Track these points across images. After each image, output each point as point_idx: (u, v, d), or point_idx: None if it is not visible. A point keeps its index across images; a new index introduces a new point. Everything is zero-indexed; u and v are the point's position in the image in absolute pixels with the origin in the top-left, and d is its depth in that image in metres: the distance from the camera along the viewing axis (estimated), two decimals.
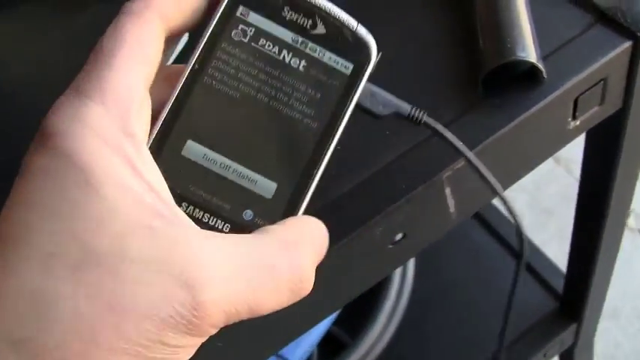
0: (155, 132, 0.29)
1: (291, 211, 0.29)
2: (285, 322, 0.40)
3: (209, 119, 0.30)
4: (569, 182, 1.65)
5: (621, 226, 0.62)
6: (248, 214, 0.29)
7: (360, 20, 0.31)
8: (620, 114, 0.47)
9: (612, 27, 0.43)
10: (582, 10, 0.44)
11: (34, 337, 0.25)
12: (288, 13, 0.31)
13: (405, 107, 0.39)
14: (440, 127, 0.38)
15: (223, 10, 0.30)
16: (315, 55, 0.31)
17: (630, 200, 0.59)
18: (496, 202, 0.88)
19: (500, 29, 0.41)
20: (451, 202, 0.41)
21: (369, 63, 0.31)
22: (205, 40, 0.30)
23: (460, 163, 0.39)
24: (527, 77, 0.41)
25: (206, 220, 0.29)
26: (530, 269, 0.77)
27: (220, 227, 0.29)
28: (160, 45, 0.29)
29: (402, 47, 0.45)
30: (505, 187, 0.45)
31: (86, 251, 0.25)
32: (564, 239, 0.71)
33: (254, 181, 0.30)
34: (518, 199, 1.54)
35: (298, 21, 0.31)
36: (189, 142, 0.29)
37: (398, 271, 0.77)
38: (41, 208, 0.26)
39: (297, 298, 0.28)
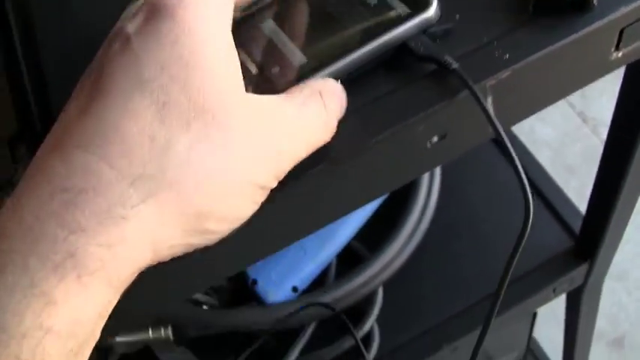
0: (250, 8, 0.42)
1: (305, 78, 0.39)
2: (326, 206, 0.43)
3: (290, 13, 0.43)
4: (594, 143, 1.66)
5: None
6: (276, 69, 0.40)
7: None
8: None
9: None
10: None
11: (152, 175, 0.29)
12: None
13: (441, 56, 0.41)
14: (466, 78, 0.40)
15: None
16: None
17: None
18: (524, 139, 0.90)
19: None
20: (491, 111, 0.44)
21: (422, 13, 0.41)
22: None
23: (506, 73, 0.42)
24: (577, 4, 0.43)
25: (244, 62, 0.38)
26: (550, 207, 0.79)
27: (252, 69, 0.40)
28: None
29: None
30: (542, 107, 0.47)
31: (195, 104, 0.31)
32: (584, 198, 0.74)
33: (293, 52, 0.41)
34: (542, 154, 1.55)
35: None
36: (269, 20, 0.43)
37: (422, 194, 0.80)
38: (153, 63, 0.30)
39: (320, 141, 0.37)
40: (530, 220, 0.42)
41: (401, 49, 0.42)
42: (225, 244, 0.35)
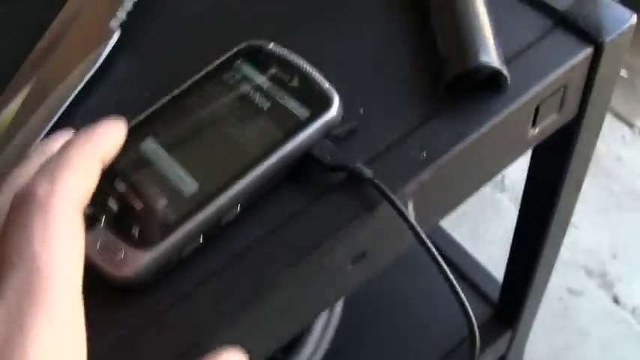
0: (130, 125, 0.36)
1: (197, 210, 0.34)
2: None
3: (173, 127, 0.38)
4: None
5: (562, 234, 0.61)
6: (162, 203, 0.34)
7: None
8: (573, 123, 0.46)
9: (572, 31, 0.41)
10: (541, 14, 0.42)
11: None
12: (273, 68, 0.39)
13: (351, 163, 0.36)
14: (384, 189, 0.35)
15: (225, 58, 0.40)
16: (282, 101, 0.37)
17: (572, 211, 0.58)
18: None
19: (462, 32, 0.39)
20: (412, 216, 0.38)
21: (324, 114, 0.36)
22: (200, 75, 0.39)
23: (426, 175, 0.36)
24: (488, 83, 0.39)
25: (127, 196, 0.35)
26: (466, 279, 0.75)
27: (134, 205, 0.34)
28: None
29: (357, 53, 0.42)
30: (465, 199, 0.42)
31: None
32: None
33: (183, 180, 0.35)
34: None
35: (278, 75, 0.38)
36: (149, 139, 0.37)
37: None
38: None
39: None
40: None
41: (305, 159, 0.36)
42: None
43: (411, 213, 0.37)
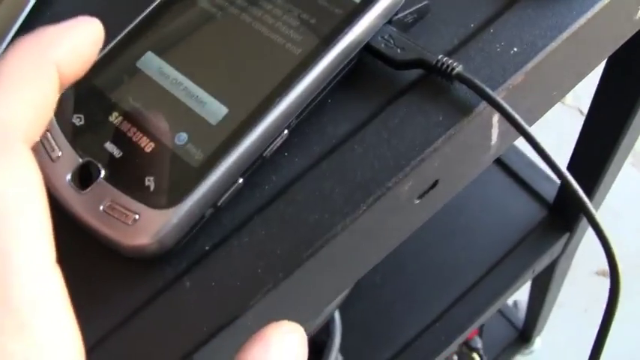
0: (118, 38, 0.27)
1: (233, 142, 0.24)
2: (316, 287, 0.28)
3: (178, 34, 0.27)
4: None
5: (631, 146, 0.52)
6: (181, 138, 0.25)
7: None
8: None
9: None
10: None
11: None
12: None
13: (431, 56, 0.26)
14: (479, 84, 0.26)
15: None
16: None
17: None
18: None
19: None
20: (495, 134, 0.29)
21: None
22: None
23: (519, 78, 0.27)
24: None
25: (130, 135, 0.25)
26: (520, 179, 0.67)
27: (143, 145, 0.25)
28: None
29: None
30: (562, 96, 0.33)
31: None
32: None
33: (203, 103, 0.25)
34: None
35: None
36: (149, 53, 0.27)
37: None
38: None
39: None
40: None
41: (365, 54, 0.27)
42: None
43: (495, 125, 0.28)
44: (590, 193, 0.55)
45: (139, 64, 0.27)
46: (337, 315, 0.64)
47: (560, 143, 0.70)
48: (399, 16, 0.27)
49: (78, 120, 0.26)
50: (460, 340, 0.64)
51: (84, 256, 0.25)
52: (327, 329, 0.64)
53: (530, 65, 0.27)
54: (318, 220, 0.25)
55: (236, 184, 0.25)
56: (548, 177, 0.68)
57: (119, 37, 0.28)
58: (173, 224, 0.24)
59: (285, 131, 0.26)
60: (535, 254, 0.65)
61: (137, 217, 0.24)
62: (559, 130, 1.09)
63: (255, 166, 0.26)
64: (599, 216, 0.28)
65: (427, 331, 0.64)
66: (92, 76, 0.26)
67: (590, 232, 0.78)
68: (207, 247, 0.25)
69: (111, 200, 0.24)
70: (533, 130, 0.26)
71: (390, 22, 0.27)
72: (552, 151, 0.26)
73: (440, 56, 0.26)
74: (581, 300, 1.26)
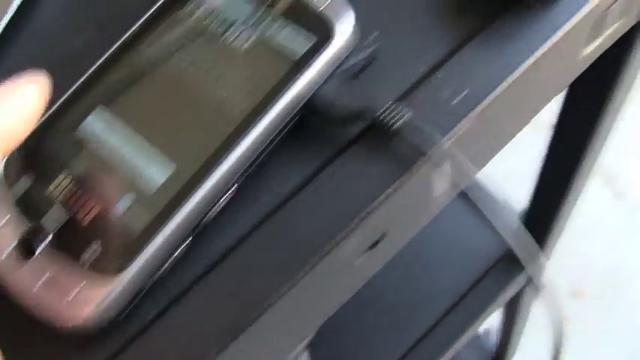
0: (66, 94, 0.26)
1: (180, 200, 0.24)
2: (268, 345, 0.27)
3: (126, 90, 0.27)
4: None
5: (590, 168, 0.52)
6: (126, 201, 0.24)
7: None
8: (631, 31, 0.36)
9: None
10: None
11: None
12: None
13: (375, 109, 0.26)
14: (428, 130, 0.25)
15: None
16: (267, 33, 0.26)
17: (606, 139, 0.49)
18: None
19: None
20: (439, 183, 0.29)
21: (330, 44, 0.26)
22: (149, 13, 0.28)
23: (466, 124, 0.26)
24: None
25: (75, 200, 0.24)
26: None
27: (88, 210, 0.24)
28: None
29: None
30: (508, 141, 0.33)
31: None
32: None
33: (151, 160, 0.25)
34: None
35: None
36: (98, 108, 0.26)
37: None
38: None
39: None
40: None
41: (310, 108, 0.26)
42: None
43: (440, 175, 0.28)
44: (556, 213, 0.55)
45: (84, 124, 0.26)
46: (306, 355, 0.63)
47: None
48: (346, 66, 0.27)
49: (25, 181, 0.25)
50: None
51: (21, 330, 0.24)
52: None
53: (479, 109, 0.26)
54: (261, 285, 0.24)
55: (180, 249, 0.24)
56: (512, 210, 0.68)
57: (64, 97, 0.27)
58: (113, 298, 0.23)
59: (231, 189, 0.25)
60: (501, 284, 0.64)
61: (81, 286, 0.23)
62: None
63: (201, 227, 0.25)
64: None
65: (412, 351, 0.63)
66: (37, 138, 0.25)
67: (563, 254, 0.78)
68: (150, 317, 0.24)
69: (51, 272, 0.23)
70: (479, 176, 0.26)
71: (336, 69, 0.26)
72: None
73: (384, 109, 0.25)
74: None
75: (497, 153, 0.32)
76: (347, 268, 0.27)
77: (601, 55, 0.34)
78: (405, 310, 0.65)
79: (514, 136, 0.32)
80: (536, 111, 0.32)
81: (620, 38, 0.35)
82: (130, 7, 0.28)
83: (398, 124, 0.25)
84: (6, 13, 0.31)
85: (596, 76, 0.40)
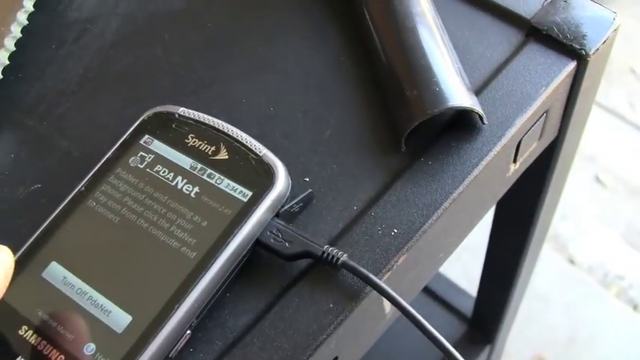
0: (22, 250, 0.28)
1: (139, 349, 0.25)
2: None
3: (80, 242, 0.29)
4: None
5: (539, 247, 0.55)
6: (90, 348, 0.26)
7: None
8: (550, 146, 0.39)
9: (548, 43, 0.34)
10: (508, 25, 0.35)
11: None
12: (191, 140, 0.30)
13: (317, 247, 0.28)
14: (363, 271, 0.28)
15: (126, 137, 0.31)
16: (212, 181, 0.29)
17: (549, 225, 0.52)
18: None
19: (417, 69, 0.31)
20: (387, 306, 0.31)
21: (270, 190, 0.28)
22: (100, 164, 0.30)
23: (401, 257, 0.29)
24: (455, 123, 0.32)
25: (41, 348, 0.26)
26: (436, 297, 0.69)
27: (54, 358, 0.26)
28: None
29: (288, 105, 0.33)
30: (444, 261, 0.35)
31: None
32: None
33: (107, 312, 0.26)
34: None
35: (201, 147, 0.30)
36: (53, 264, 0.28)
37: None
38: None
39: None
40: None
41: (255, 248, 0.29)
42: None
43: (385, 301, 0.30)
44: (511, 282, 0.57)
45: (45, 274, 0.28)
46: None
47: None
48: (286, 207, 0.29)
49: None
50: None
51: None
52: None
53: (410, 244, 0.29)
54: None
55: None
56: (465, 293, 0.70)
57: (24, 248, 0.28)
58: None
59: (188, 331, 0.27)
60: None
61: None
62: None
63: None
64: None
65: None
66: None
67: (523, 320, 0.78)
68: None
69: None
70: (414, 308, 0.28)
71: (277, 214, 0.29)
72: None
73: (325, 247, 0.28)
74: None
75: (432, 276, 0.34)
76: None
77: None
78: None
79: (448, 257, 0.35)
80: (467, 231, 0.35)
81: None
82: (79, 161, 0.31)
83: (338, 263, 0.27)
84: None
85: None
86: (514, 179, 0.37)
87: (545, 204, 0.44)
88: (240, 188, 0.28)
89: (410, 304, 0.27)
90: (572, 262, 1.44)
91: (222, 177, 0.29)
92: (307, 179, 0.31)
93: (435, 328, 0.66)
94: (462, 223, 0.33)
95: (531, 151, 0.36)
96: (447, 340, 0.66)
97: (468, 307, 0.68)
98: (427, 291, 0.69)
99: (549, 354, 1.33)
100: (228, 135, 0.30)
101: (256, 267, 0.29)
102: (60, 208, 0.29)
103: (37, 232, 0.29)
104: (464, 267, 1.01)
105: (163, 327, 0.26)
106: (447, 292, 0.69)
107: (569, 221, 1.48)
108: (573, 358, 1.33)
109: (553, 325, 1.35)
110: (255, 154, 0.29)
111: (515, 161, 0.35)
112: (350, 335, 0.29)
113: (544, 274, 1.40)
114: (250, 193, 0.28)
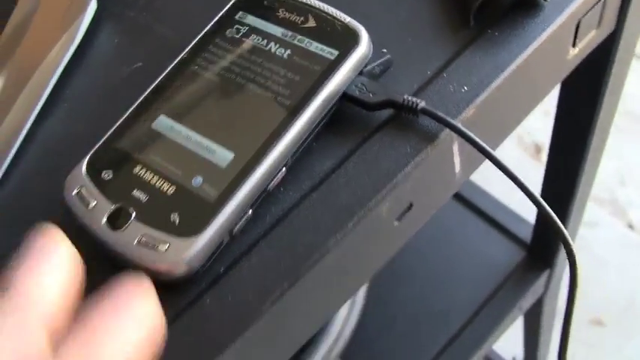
0: (132, 108, 0.33)
1: (241, 180, 0.30)
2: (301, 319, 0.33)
3: (184, 99, 0.33)
4: None
5: (596, 166, 0.57)
6: (197, 181, 0.30)
7: None
8: (608, 39, 0.42)
9: None
10: None
11: None
12: (282, 13, 0.34)
13: (398, 96, 0.32)
14: (441, 115, 0.31)
15: (223, 14, 0.35)
16: (302, 44, 0.33)
17: (605, 141, 0.55)
18: None
19: None
20: (457, 161, 0.34)
21: (354, 50, 0.32)
22: (200, 36, 0.35)
23: (470, 111, 0.33)
24: (520, 3, 0.35)
25: (154, 182, 0.30)
26: (496, 225, 0.72)
27: (165, 190, 0.30)
28: None
29: None
30: (509, 131, 0.39)
31: None
32: None
33: (212, 151, 0.31)
34: None
35: (291, 18, 0.34)
36: (161, 117, 0.32)
37: None
38: None
39: None
40: None
41: (343, 101, 0.33)
42: None
43: (456, 152, 0.34)
44: (570, 199, 0.60)
45: (154, 125, 0.32)
46: None
47: None
48: (368, 67, 0.33)
49: (107, 175, 0.31)
50: None
51: None
52: None
53: (479, 100, 0.33)
54: (313, 239, 0.30)
55: (246, 215, 0.30)
56: (523, 219, 0.73)
57: (134, 106, 0.33)
58: (197, 250, 0.28)
59: (284, 169, 0.31)
60: (519, 293, 0.69)
61: (167, 246, 0.28)
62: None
63: (260, 200, 0.31)
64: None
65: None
66: (116, 139, 0.31)
67: (581, 283, 0.81)
68: (222, 269, 0.30)
69: (143, 235, 0.29)
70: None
71: (361, 73, 0.33)
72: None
73: (405, 95, 0.32)
74: (576, 350, 1.29)
75: (501, 141, 0.38)
76: (384, 230, 0.33)
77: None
78: (425, 324, 0.70)
79: (515, 126, 0.38)
80: (532, 106, 0.39)
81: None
82: (176, 37, 0.35)
83: (418, 108, 0.31)
84: (67, 50, 0.38)
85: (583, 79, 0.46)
86: (574, 64, 0.40)
87: (605, 102, 0.47)
88: (327, 49, 0.32)
89: (468, 228, 0.31)
90: (631, 227, 1.45)
91: (311, 40, 0.33)
92: (385, 50, 0.35)
93: (494, 255, 0.69)
94: (527, 94, 0.37)
95: (590, 38, 0.39)
96: (507, 266, 0.70)
97: (526, 234, 0.71)
98: (486, 218, 0.73)
99: (607, 318, 1.34)
100: (316, 7, 0.34)
101: (342, 119, 0.33)
102: (164, 73, 0.34)
103: (145, 93, 0.33)
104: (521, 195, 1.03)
105: (262, 162, 0.30)
106: (505, 219, 0.72)
107: (628, 187, 1.48)
108: (631, 322, 1.33)
109: (611, 289, 1.36)
110: (341, 21, 0.33)
111: (574, 45, 0.38)
112: (424, 183, 0.33)
113: (603, 239, 1.41)
114: (337, 53, 0.32)
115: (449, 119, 0.31)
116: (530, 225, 0.71)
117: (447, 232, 0.73)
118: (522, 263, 0.71)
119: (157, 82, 0.34)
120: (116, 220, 0.29)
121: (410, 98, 0.32)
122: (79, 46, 0.38)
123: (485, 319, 0.69)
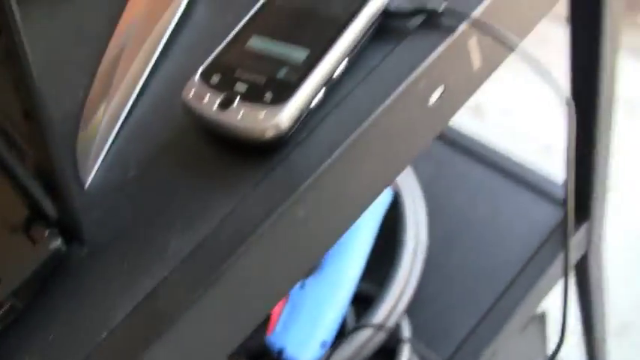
0: (231, 34, 0.44)
1: (312, 68, 0.40)
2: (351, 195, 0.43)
3: (269, 21, 0.44)
4: None
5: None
6: (282, 71, 0.41)
7: None
8: None
9: None
10: None
11: None
12: None
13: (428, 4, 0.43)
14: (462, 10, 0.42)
15: None
16: None
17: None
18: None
19: None
20: (476, 56, 0.45)
21: None
22: None
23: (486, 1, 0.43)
24: None
25: (250, 77, 0.41)
26: (529, 186, 0.81)
27: (259, 81, 0.41)
28: None
29: None
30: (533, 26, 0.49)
31: None
32: None
33: (292, 51, 0.42)
34: None
35: None
36: (254, 36, 0.43)
37: (411, 218, 0.80)
38: None
39: None
40: None
41: (383, 19, 0.44)
42: None
43: (475, 47, 0.44)
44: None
45: (249, 42, 0.43)
46: (406, 320, 0.76)
47: None
48: None
49: (215, 78, 0.42)
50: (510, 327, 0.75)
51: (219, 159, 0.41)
52: (397, 336, 0.75)
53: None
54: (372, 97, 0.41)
55: (320, 92, 0.41)
56: (554, 182, 0.82)
57: (232, 33, 0.44)
58: (285, 117, 0.39)
59: (345, 59, 0.42)
60: (562, 246, 0.77)
61: (263, 114, 0.39)
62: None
63: (330, 84, 0.41)
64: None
65: (479, 325, 0.76)
66: (220, 55, 0.43)
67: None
68: (305, 134, 0.41)
69: (245, 110, 0.40)
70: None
71: None
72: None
73: (429, 3, 0.43)
74: None
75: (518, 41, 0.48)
76: (421, 109, 0.43)
77: None
78: (480, 279, 0.78)
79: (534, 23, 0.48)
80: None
81: None
82: None
83: (442, 9, 0.42)
84: (169, 25, 0.51)
85: None
86: None
87: None
88: None
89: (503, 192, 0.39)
90: None
91: None
92: None
93: (532, 217, 0.78)
94: None
95: None
96: (546, 225, 0.78)
97: (560, 194, 0.80)
98: (520, 181, 0.82)
99: None
100: None
101: (382, 34, 0.44)
102: (253, 8, 0.45)
103: (241, 23, 0.45)
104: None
105: (329, 55, 0.41)
106: (538, 182, 0.82)
107: None
108: None
109: None
110: None
111: None
112: (450, 70, 0.43)
113: None
114: None
115: (460, 21, 0.42)
116: (559, 186, 0.80)
117: (487, 199, 0.83)
118: (562, 222, 0.79)
119: (248, 15, 0.45)
120: (224, 105, 0.41)
121: (433, 3, 0.42)
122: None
123: (533, 273, 0.77)
